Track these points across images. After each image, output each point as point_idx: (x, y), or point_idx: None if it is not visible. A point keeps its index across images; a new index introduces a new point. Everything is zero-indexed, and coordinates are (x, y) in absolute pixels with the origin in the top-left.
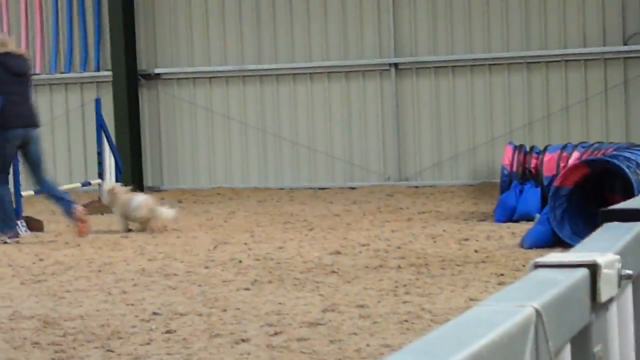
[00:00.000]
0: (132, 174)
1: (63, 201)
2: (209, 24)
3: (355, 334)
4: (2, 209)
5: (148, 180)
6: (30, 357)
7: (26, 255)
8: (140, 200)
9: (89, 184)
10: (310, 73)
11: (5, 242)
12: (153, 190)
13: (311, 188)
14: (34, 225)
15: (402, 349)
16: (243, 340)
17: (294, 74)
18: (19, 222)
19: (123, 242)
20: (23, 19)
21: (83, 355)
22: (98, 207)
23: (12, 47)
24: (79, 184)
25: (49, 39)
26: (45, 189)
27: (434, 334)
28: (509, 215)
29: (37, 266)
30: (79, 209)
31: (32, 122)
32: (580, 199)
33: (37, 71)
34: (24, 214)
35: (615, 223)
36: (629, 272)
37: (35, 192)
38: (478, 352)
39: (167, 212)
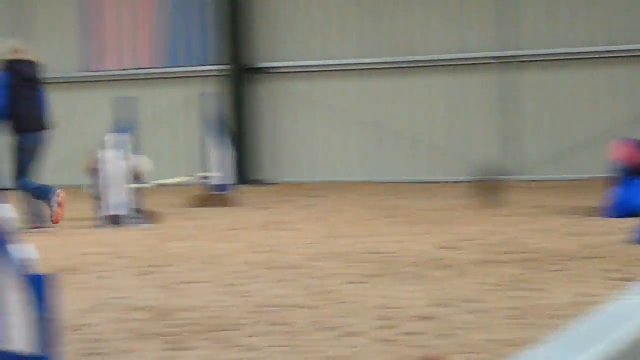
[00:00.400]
0: (242, 166)
1: (41, 189)
2: (312, 18)
3: (464, 328)
4: (41, 193)
5: (256, 173)
6: (143, 347)
7: (139, 247)
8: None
9: (199, 177)
10: (412, 67)
11: (37, 228)
12: (258, 183)
13: (414, 182)
14: (148, 216)
15: (547, 340)
16: (352, 334)
17: (396, 67)
18: (133, 214)
19: (233, 235)
20: (140, 13)
21: (194, 346)
22: (206, 200)
23: (23, 53)
24: (185, 178)
25: (163, 33)
26: (24, 185)
27: (576, 326)
28: (621, 210)
29: (148, 258)
30: (61, 194)
31: (45, 124)
32: None
33: (150, 65)
34: (140, 205)
35: None
36: None
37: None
38: (624, 345)
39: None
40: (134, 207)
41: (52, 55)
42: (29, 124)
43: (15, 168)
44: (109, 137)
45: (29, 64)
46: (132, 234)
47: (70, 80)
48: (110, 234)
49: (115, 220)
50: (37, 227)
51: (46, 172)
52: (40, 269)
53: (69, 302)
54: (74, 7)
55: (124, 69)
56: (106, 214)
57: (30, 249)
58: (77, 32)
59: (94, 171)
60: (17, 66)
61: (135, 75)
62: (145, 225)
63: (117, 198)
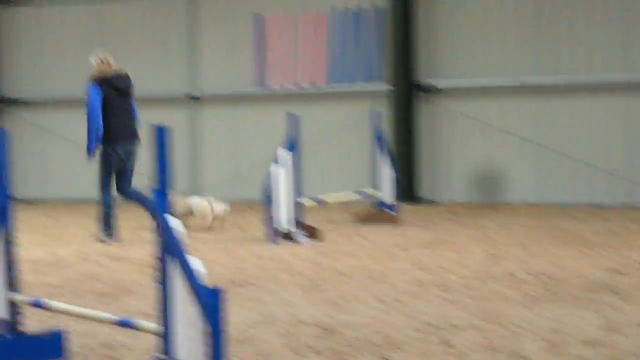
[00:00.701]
0: (407, 185)
1: (146, 201)
2: (488, 36)
3: (637, 355)
4: (106, 215)
5: (422, 192)
6: None
7: (305, 263)
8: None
9: (364, 195)
10: (590, 89)
11: (103, 242)
12: (426, 202)
13: (589, 205)
14: (313, 232)
15: None
16: (522, 357)
17: (572, 88)
18: (297, 230)
19: (398, 253)
20: (313, 32)
21: None
22: (371, 217)
23: (115, 66)
24: (354, 195)
25: (334, 51)
26: (128, 196)
27: None
28: None
29: (315, 274)
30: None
31: (135, 137)
32: None
33: (321, 82)
34: (303, 221)
35: None
36: None
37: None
38: None
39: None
40: (300, 223)
41: (227, 72)
42: (119, 135)
43: (100, 179)
44: (281, 153)
45: (121, 76)
46: (299, 249)
47: (245, 95)
48: (278, 249)
49: (283, 236)
50: (105, 240)
51: (218, 187)
52: (211, 282)
53: (237, 316)
54: (250, 25)
55: (296, 86)
56: (275, 229)
57: (198, 263)
58: (252, 48)
59: (181, 217)
60: (109, 79)
61: (307, 92)
62: (311, 242)
63: (286, 214)
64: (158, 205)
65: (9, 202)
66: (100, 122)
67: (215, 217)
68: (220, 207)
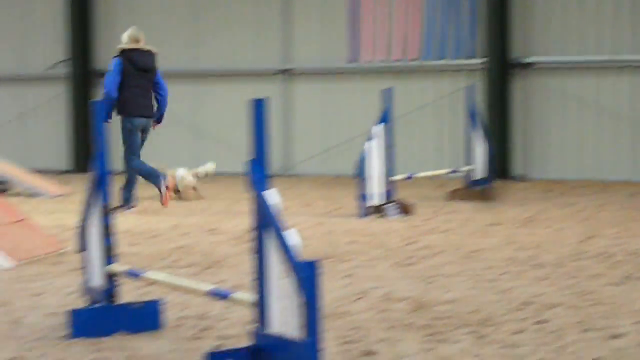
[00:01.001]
0: (500, 162)
1: (151, 173)
2: (584, 11)
3: None
4: (131, 182)
5: (516, 169)
6: (403, 338)
7: (397, 239)
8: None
9: (457, 171)
10: None
11: (127, 209)
12: (520, 179)
13: None
14: (405, 208)
15: None
16: (616, 336)
17: None
18: (390, 205)
19: (491, 230)
20: (410, 6)
21: (454, 339)
22: (464, 194)
23: (142, 43)
24: (446, 171)
25: (430, 26)
26: (133, 166)
27: None
28: None
29: (407, 249)
30: (169, 179)
31: (150, 112)
32: None
33: (416, 57)
34: (396, 197)
35: None
36: None
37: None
38: None
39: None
40: (393, 198)
41: (320, 46)
42: (133, 109)
43: (124, 149)
44: (376, 129)
45: (145, 53)
46: (391, 224)
47: (339, 71)
48: (370, 224)
49: (375, 211)
50: (127, 209)
51: (309, 161)
52: (305, 255)
53: (330, 290)
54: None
55: (391, 61)
56: (367, 204)
57: (294, 235)
58: (345, 23)
59: (176, 192)
60: (132, 55)
61: (402, 68)
62: (403, 217)
63: (378, 189)
64: (254, 177)
65: (107, 172)
66: (111, 92)
67: (186, 187)
68: (191, 178)
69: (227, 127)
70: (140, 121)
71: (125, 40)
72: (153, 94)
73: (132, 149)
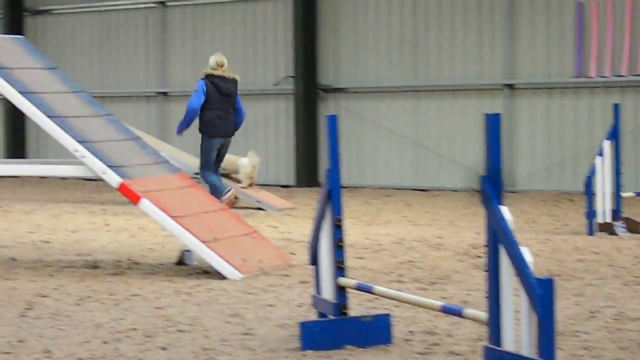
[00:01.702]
0: None
1: (216, 187)
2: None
3: None
4: (216, 191)
5: None
6: (637, 359)
7: (626, 257)
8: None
9: None
10: None
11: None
12: None
13: None
14: (633, 226)
15: None
16: None
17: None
18: (618, 223)
19: None
20: (630, 19)
21: None
22: None
23: (225, 69)
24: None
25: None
26: (205, 177)
27: None
28: None
29: (637, 268)
30: (230, 194)
31: (229, 133)
32: None
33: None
34: (623, 215)
35: None
36: None
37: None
38: None
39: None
40: (621, 215)
41: (546, 61)
42: (213, 130)
43: (200, 162)
44: (605, 145)
45: (227, 80)
46: (619, 242)
47: (564, 86)
48: (598, 241)
49: (603, 228)
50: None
51: (532, 177)
52: (536, 273)
53: (561, 308)
54: (571, 13)
55: (620, 75)
56: (595, 221)
57: (527, 253)
58: (570, 37)
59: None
60: (216, 80)
61: (630, 83)
62: (632, 235)
63: (606, 206)
64: (488, 193)
65: (339, 186)
66: (194, 111)
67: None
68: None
69: (450, 142)
70: (218, 141)
71: (211, 65)
72: (233, 117)
73: (207, 164)
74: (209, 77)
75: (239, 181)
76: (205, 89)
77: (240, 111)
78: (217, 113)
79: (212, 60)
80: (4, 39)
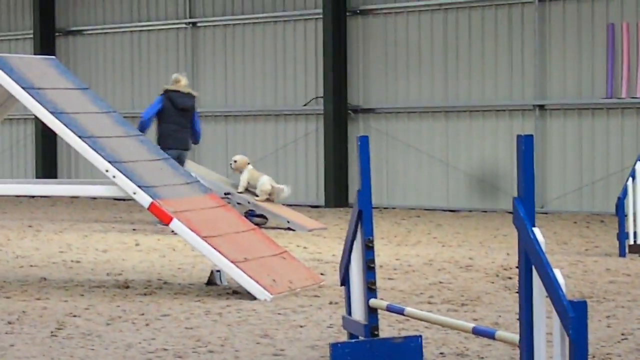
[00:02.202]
0: None
1: None
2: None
3: None
4: None
5: None
6: None
7: None
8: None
9: None
10: None
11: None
12: None
13: None
14: None
15: None
16: None
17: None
18: None
19: None
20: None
21: None
22: None
23: (182, 85)
24: None
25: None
26: None
27: None
28: None
29: None
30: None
31: (184, 145)
32: None
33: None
34: None
35: None
36: None
37: None
38: None
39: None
40: None
41: (577, 82)
42: (168, 142)
43: None
44: (638, 166)
45: (184, 95)
46: None
47: (595, 106)
48: (631, 263)
49: (635, 250)
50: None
51: (564, 198)
52: (568, 295)
53: (592, 330)
54: (602, 34)
55: None
56: (627, 242)
57: (559, 275)
58: (601, 58)
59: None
60: (172, 95)
61: None
62: None
63: (638, 227)
64: (521, 214)
65: (370, 207)
66: (143, 122)
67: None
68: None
69: (481, 163)
70: (174, 152)
71: (171, 81)
72: (189, 131)
73: None
74: (166, 92)
75: (256, 194)
76: (161, 103)
77: (195, 124)
78: (172, 127)
79: (172, 77)
80: (36, 60)
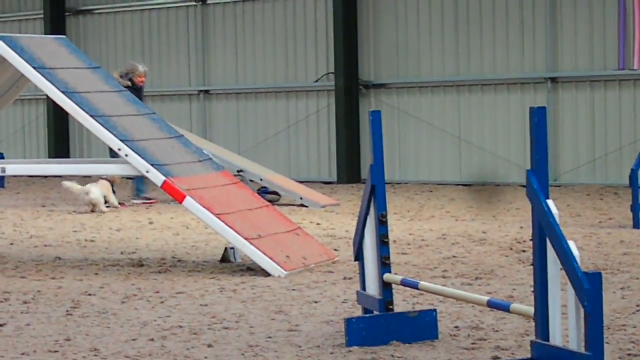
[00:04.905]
0: None
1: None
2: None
3: None
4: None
5: None
6: None
7: None
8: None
9: None
10: None
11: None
12: None
13: None
14: None
15: None
16: None
17: None
18: None
19: None
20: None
21: None
22: None
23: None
24: None
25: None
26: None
27: None
28: None
29: None
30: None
31: None
32: None
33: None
34: None
35: None
36: None
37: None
38: None
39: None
40: None
41: (589, 54)
42: None
43: None
44: None
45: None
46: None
47: (607, 79)
48: None
49: None
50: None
51: (576, 171)
52: (582, 267)
53: (607, 302)
54: (614, 5)
55: None
56: None
57: (574, 246)
58: (614, 29)
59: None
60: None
61: None
62: None
63: None
64: (535, 186)
65: (383, 182)
66: None
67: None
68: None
69: (493, 136)
70: None
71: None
72: None
73: None
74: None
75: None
76: None
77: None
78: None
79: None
80: (47, 39)
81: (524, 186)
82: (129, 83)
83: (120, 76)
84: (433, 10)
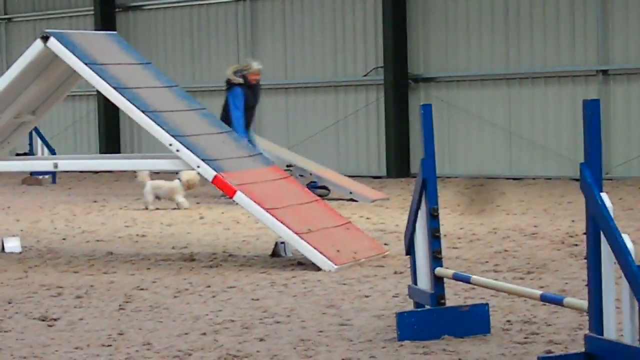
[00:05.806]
0: None
1: None
2: None
3: None
4: None
5: None
6: None
7: None
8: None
9: None
10: None
11: None
12: None
13: None
14: None
15: None
16: None
17: None
18: None
19: None
20: None
21: None
22: None
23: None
24: None
25: None
26: None
27: None
28: None
29: None
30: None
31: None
32: None
33: None
34: None
35: None
36: None
37: None
38: None
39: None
40: None
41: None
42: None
43: None
44: None
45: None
46: None
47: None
48: None
49: None
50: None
51: (628, 164)
52: (636, 260)
53: None
54: None
55: None
56: None
57: (628, 240)
58: None
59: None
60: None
61: None
62: None
63: None
64: (589, 180)
65: (434, 176)
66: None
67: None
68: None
69: (544, 130)
70: None
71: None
72: None
73: None
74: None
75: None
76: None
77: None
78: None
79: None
80: (98, 36)
81: (575, 180)
82: (242, 80)
83: (234, 73)
84: (483, 3)
